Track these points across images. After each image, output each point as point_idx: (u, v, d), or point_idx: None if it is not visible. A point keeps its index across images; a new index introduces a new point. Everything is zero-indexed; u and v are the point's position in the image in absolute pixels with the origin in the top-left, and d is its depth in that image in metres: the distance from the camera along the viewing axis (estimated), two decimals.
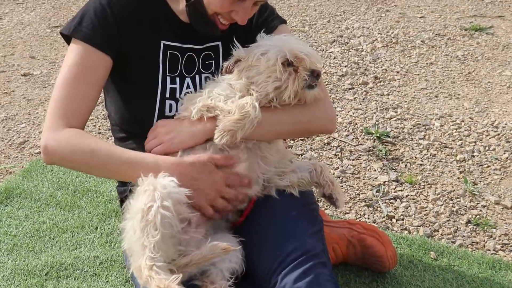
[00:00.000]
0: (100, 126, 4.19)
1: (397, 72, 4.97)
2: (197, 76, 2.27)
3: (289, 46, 2.09)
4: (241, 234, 2.18)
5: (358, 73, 4.92)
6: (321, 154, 3.74)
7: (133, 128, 2.30)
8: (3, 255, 2.81)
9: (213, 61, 2.29)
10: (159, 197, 1.86)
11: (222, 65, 2.22)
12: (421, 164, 3.61)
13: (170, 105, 2.22)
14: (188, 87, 2.26)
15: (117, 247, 2.84)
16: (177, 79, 2.23)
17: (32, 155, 3.78)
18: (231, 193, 2.10)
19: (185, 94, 2.24)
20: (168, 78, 2.22)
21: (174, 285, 1.82)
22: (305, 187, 2.28)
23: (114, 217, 3.07)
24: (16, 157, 3.77)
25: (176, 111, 2.24)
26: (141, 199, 1.90)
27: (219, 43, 2.30)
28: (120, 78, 2.23)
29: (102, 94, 2.27)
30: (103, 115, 4.25)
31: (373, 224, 3.03)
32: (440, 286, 2.56)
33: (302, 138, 3.90)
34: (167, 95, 2.22)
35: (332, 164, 3.62)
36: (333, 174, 3.50)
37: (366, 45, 5.51)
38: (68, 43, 2.18)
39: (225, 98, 2.09)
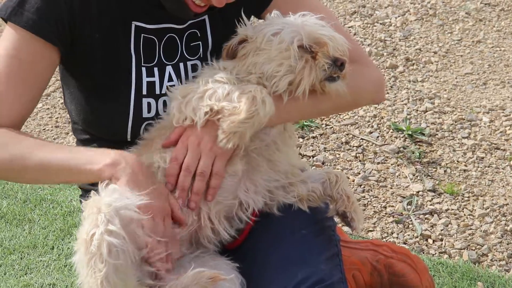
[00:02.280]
0: (57, 118, 4.18)
1: (435, 52, 4.97)
2: (181, 64, 2.21)
3: (308, 27, 2.07)
4: (238, 260, 2.17)
5: (385, 54, 4.92)
6: (337, 155, 3.74)
7: (100, 132, 2.27)
8: None
9: (200, 42, 2.26)
10: (102, 220, 1.81)
11: (224, 47, 2.19)
12: (464, 170, 3.61)
13: (149, 103, 2.18)
14: (170, 79, 2.20)
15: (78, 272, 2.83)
16: (155, 69, 2.18)
17: None
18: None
19: (167, 89, 2.21)
20: (143, 69, 2.16)
21: None
22: (316, 202, 2.26)
23: (75, 234, 3.06)
24: None
25: (157, 110, 2.21)
26: (83, 226, 1.88)
27: (205, 17, 2.27)
28: (82, 73, 2.18)
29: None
30: (61, 103, 4.24)
31: (403, 245, 3.04)
32: None
33: (314, 136, 3.90)
34: (144, 92, 2.16)
35: (351, 169, 3.62)
36: (353, 181, 3.50)
37: (396, 18, 5.51)
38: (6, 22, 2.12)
39: (225, 92, 2.05)
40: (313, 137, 3.91)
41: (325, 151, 3.78)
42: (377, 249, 2.63)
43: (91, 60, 2.12)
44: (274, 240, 2.17)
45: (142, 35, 2.15)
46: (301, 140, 3.88)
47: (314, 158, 3.70)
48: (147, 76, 2.17)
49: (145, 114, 2.18)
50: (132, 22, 2.13)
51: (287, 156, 2.20)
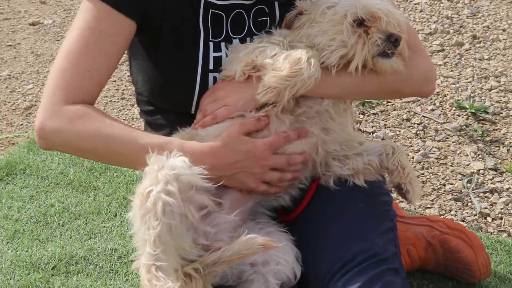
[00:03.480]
0: (124, 90, 4.28)
1: (503, 30, 4.88)
2: (248, 39, 2.26)
3: (364, 1, 2.07)
4: (294, 232, 2.20)
5: (451, 31, 4.85)
6: (398, 132, 3.73)
7: (165, 104, 2.33)
8: (2, 243, 2.94)
9: (268, 18, 2.29)
10: (162, 178, 1.86)
11: (285, 17, 2.22)
12: None
13: (215, 78, 2.23)
14: None
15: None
16: (222, 44, 2.23)
17: None
18: (281, 160, 2.11)
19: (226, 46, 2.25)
20: (211, 44, 2.21)
21: None
22: (373, 175, 2.27)
23: None
24: (21, 124, 3.90)
25: None
26: (143, 181, 1.93)
27: None
28: (152, 43, 2.24)
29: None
30: (128, 76, 4.34)
31: (461, 223, 3.02)
32: None
33: (374, 112, 3.90)
34: (211, 67, 2.22)
35: (411, 146, 3.61)
36: (413, 158, 3.49)
37: None
38: None
39: (274, 52, 2.07)
40: (374, 114, 3.90)
41: (385, 127, 3.77)
42: (432, 224, 2.64)
43: (162, 33, 2.18)
44: (329, 214, 2.21)
45: (211, 10, 2.20)
46: (361, 116, 3.88)
47: (374, 135, 3.70)
48: (214, 51, 2.22)
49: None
50: None
51: (341, 126, 2.21)
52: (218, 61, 2.21)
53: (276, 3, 2.29)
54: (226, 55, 2.21)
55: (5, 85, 4.32)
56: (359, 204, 2.23)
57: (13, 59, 4.64)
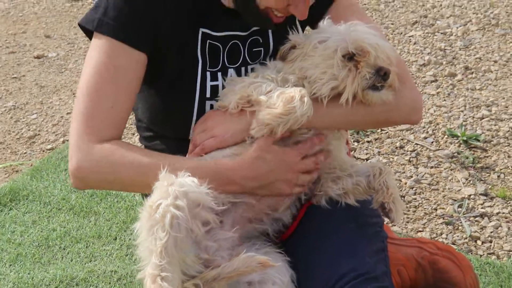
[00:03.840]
0: None
1: (495, 61, 4.97)
2: (242, 68, 2.34)
3: (354, 36, 2.14)
4: (287, 252, 2.25)
5: (444, 62, 4.95)
6: (391, 159, 3.80)
7: (164, 130, 2.40)
8: (5, 266, 3.01)
9: (262, 48, 2.37)
10: (172, 193, 1.92)
11: (279, 50, 2.29)
12: None
13: (211, 105, 2.30)
14: None
15: (139, 261, 2.98)
16: (219, 74, 2.31)
17: (43, 151, 4.00)
18: (310, 163, 2.19)
19: (224, 79, 2.33)
20: (208, 74, 2.29)
21: None
22: (361, 195, 2.34)
23: None
24: (25, 153, 3.99)
25: None
26: (152, 195, 2.00)
27: None
28: (154, 73, 2.28)
29: None
30: None
31: (452, 246, 3.08)
32: None
33: (369, 140, 3.98)
34: (208, 95, 2.29)
35: (404, 172, 3.68)
36: (405, 184, 3.56)
37: (457, 27, 5.53)
38: (90, 37, 2.22)
39: (269, 88, 2.16)
40: (368, 141, 3.98)
41: (379, 154, 3.85)
42: (422, 246, 2.69)
43: (164, 63, 2.24)
44: (321, 233, 2.25)
45: (208, 41, 2.27)
46: (356, 144, 3.96)
47: (368, 161, 3.77)
48: (211, 80, 2.29)
49: None
50: (200, 28, 2.25)
51: (337, 150, 2.29)
52: (215, 89, 2.28)
53: (270, 32, 2.37)
54: (223, 86, 2.29)
55: (10, 115, 4.41)
56: (350, 224, 2.28)
57: (18, 90, 4.75)
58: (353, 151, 3.88)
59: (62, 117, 4.34)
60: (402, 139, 3.99)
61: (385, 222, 2.66)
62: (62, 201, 3.45)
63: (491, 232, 3.18)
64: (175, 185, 1.93)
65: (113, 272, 2.93)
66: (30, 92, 4.72)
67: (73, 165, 2.11)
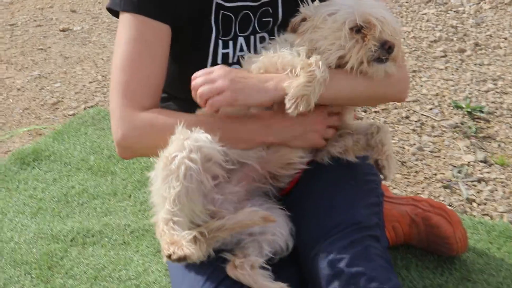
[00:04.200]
0: None
1: (505, 38, 5.04)
2: (251, 37, 2.47)
3: (362, 9, 2.24)
4: (288, 205, 2.39)
5: (455, 39, 5.03)
6: (396, 128, 3.91)
7: (177, 92, 2.55)
8: (27, 219, 3.19)
9: (271, 18, 2.49)
10: (187, 147, 2.07)
11: (290, 22, 2.41)
12: None
13: None
14: (241, 49, 2.47)
15: (150, 216, 3.14)
16: (230, 42, 2.44)
17: (66, 116, 4.18)
18: (335, 119, 2.35)
19: (241, 57, 2.45)
20: (220, 42, 2.42)
21: (184, 241, 2.02)
22: (360, 152, 2.48)
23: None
24: (48, 118, 4.17)
25: None
26: (169, 147, 2.16)
27: None
28: (172, 41, 2.40)
29: None
30: None
31: (449, 207, 3.19)
32: None
33: (376, 110, 4.09)
34: (219, 61, 2.43)
35: (408, 140, 3.79)
36: (408, 151, 3.68)
37: (470, 6, 5.59)
38: (117, 16, 2.36)
39: (290, 56, 2.28)
40: (375, 111, 4.10)
41: (385, 123, 3.96)
42: (416, 203, 2.82)
43: (183, 33, 2.37)
44: (318, 189, 2.37)
45: (221, 11, 2.40)
46: (363, 114, 4.08)
47: (368, 120, 3.89)
48: (222, 48, 2.43)
49: None
50: (214, 0, 2.38)
51: (346, 113, 2.43)
52: (225, 56, 2.43)
53: (280, 5, 2.50)
54: (234, 54, 2.43)
55: (35, 83, 4.60)
56: (348, 180, 2.40)
57: (44, 61, 4.92)
58: (360, 120, 3.99)
59: (84, 85, 4.51)
60: (408, 110, 4.09)
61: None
62: (81, 161, 3.62)
63: (487, 196, 3.29)
64: (191, 140, 2.07)
65: (126, 226, 3.09)
66: (55, 62, 4.90)
67: (119, 135, 2.24)
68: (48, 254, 2.93)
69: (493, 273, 2.73)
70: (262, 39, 2.50)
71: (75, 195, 3.35)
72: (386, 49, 2.22)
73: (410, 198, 2.87)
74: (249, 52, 2.49)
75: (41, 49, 5.12)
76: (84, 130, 3.92)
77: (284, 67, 2.22)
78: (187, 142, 2.08)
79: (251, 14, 2.45)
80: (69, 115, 4.20)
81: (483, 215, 3.16)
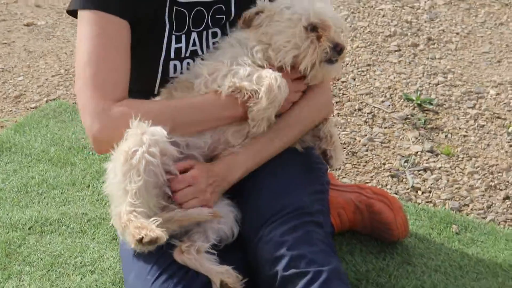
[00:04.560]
0: None
1: (457, 33, 5.17)
2: (204, 32, 2.56)
3: (317, 8, 2.34)
4: (234, 190, 2.49)
5: (409, 34, 5.15)
6: (348, 120, 4.02)
7: (131, 84, 2.59)
8: None
9: (224, 15, 2.57)
10: (146, 141, 2.17)
11: (243, 15, 2.47)
12: (464, 136, 3.85)
13: (175, 65, 2.53)
14: (194, 44, 2.56)
15: (107, 205, 3.21)
16: (183, 37, 2.52)
17: (28, 109, 4.22)
18: (301, 85, 2.44)
19: (195, 56, 2.52)
20: (173, 37, 2.50)
21: (153, 226, 2.13)
22: (308, 143, 2.59)
23: None
24: (10, 110, 4.20)
25: (181, 71, 2.53)
26: (127, 141, 2.23)
27: None
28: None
29: None
30: None
31: (394, 195, 3.31)
32: (456, 260, 2.83)
33: None
34: (172, 56, 2.52)
35: (359, 132, 3.90)
36: (359, 141, 3.79)
37: (425, 1, 5.71)
38: (75, 17, 2.43)
39: (246, 72, 2.32)
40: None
41: (338, 115, 4.07)
42: (360, 191, 2.93)
43: (136, 26, 2.43)
44: (264, 175, 2.46)
45: (175, 7, 2.48)
46: None
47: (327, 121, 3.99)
48: (175, 43, 2.51)
49: (171, 74, 2.53)
50: None
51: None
52: (178, 51, 2.51)
53: (232, 1, 2.58)
54: (186, 49, 2.52)
55: None
56: (295, 167, 2.51)
57: (7, 55, 4.95)
58: None
59: (47, 79, 4.55)
60: (361, 102, 4.20)
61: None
62: (41, 153, 3.67)
63: (432, 184, 3.42)
64: (148, 134, 2.17)
65: (84, 214, 3.15)
66: (18, 56, 4.93)
67: (95, 129, 2.30)
68: (6, 242, 2.99)
69: (432, 257, 2.85)
70: (215, 34, 2.59)
71: (35, 185, 3.40)
72: (337, 51, 2.33)
73: (355, 186, 2.99)
74: (201, 46, 2.57)
75: (5, 43, 5.15)
76: (46, 122, 3.96)
77: (242, 87, 2.31)
78: (145, 136, 2.17)
79: (204, 11, 2.53)
80: (31, 108, 4.24)
81: (427, 202, 3.29)
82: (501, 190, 3.36)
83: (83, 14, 2.38)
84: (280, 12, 2.38)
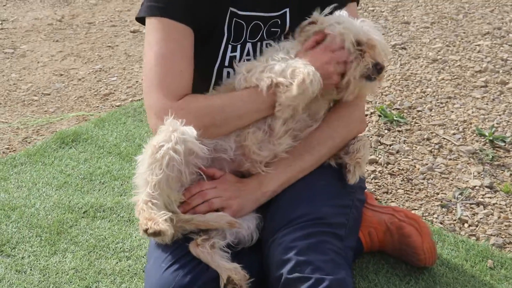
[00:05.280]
0: None
1: None
2: (258, 43, 2.68)
3: (365, 28, 2.46)
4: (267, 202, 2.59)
5: (501, 71, 5.03)
6: (413, 148, 4.00)
7: None
8: (52, 190, 3.51)
9: (279, 28, 2.69)
10: (174, 138, 2.30)
11: (300, 25, 2.59)
12: None
13: (228, 72, 2.67)
14: (248, 54, 2.68)
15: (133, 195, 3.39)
16: (238, 47, 2.66)
17: (113, 107, 4.51)
18: (344, 53, 2.46)
19: (234, 64, 2.64)
20: (229, 46, 2.64)
21: (161, 219, 2.25)
22: (340, 159, 2.65)
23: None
24: (97, 106, 4.51)
25: None
26: (157, 136, 2.39)
27: (287, 10, 2.72)
28: None
29: None
30: None
31: (440, 225, 3.27)
32: None
33: (400, 130, 4.19)
34: (226, 64, 2.66)
35: (422, 160, 3.87)
36: (418, 169, 3.76)
37: None
38: (143, 24, 2.59)
39: (281, 68, 2.42)
40: (399, 131, 4.20)
41: (404, 143, 4.05)
42: (394, 213, 2.93)
43: (197, 33, 2.60)
44: (293, 185, 2.56)
45: (234, 19, 2.64)
46: (386, 131, 4.19)
47: (391, 147, 4.00)
48: (231, 52, 2.66)
49: (224, 80, 2.68)
50: (229, 8, 2.62)
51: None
52: (232, 59, 2.65)
53: (287, 18, 2.69)
54: (240, 58, 2.64)
55: (95, 75, 4.97)
56: (322, 181, 2.58)
57: (108, 57, 5.30)
58: (380, 137, 4.11)
59: (137, 81, 4.84)
60: (431, 133, 4.17)
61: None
62: (113, 146, 3.92)
63: (481, 218, 3.34)
64: (178, 132, 2.31)
65: (135, 205, 3.33)
66: (118, 59, 5.26)
67: (157, 124, 2.42)
68: (60, 221, 3.23)
69: (457, 287, 2.80)
70: (269, 45, 2.70)
71: (99, 175, 3.64)
72: (377, 69, 2.42)
73: (390, 208, 2.99)
74: (254, 56, 2.69)
75: (109, 46, 5.51)
76: (124, 120, 4.22)
77: (279, 83, 2.41)
78: (174, 134, 2.31)
79: (261, 24, 2.67)
80: (116, 105, 4.52)
81: (470, 235, 3.22)
82: None
83: (150, 21, 2.55)
84: (331, 26, 2.47)
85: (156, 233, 2.27)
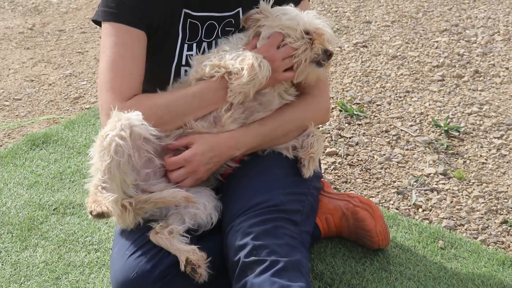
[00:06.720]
0: None
1: (506, 68, 5.15)
2: (213, 41, 2.80)
3: (313, 19, 2.59)
4: (223, 189, 2.72)
5: (457, 66, 5.18)
6: (372, 140, 4.13)
7: (144, 86, 2.79)
8: (23, 189, 3.59)
9: (233, 28, 2.81)
10: (118, 126, 2.39)
11: (245, 14, 2.70)
12: (483, 163, 3.87)
13: (185, 70, 2.77)
14: (203, 52, 2.78)
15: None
16: (194, 45, 2.77)
17: (82, 109, 4.59)
18: (288, 50, 2.57)
19: (188, 58, 2.75)
20: (185, 45, 2.75)
21: (105, 201, 2.36)
22: (295, 151, 2.77)
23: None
24: (67, 109, 4.59)
25: None
26: (105, 128, 2.48)
27: (239, 9, 2.84)
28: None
29: None
30: None
31: (395, 211, 3.40)
32: (432, 272, 2.90)
33: (360, 123, 4.32)
34: (183, 62, 2.77)
35: (380, 151, 4.00)
36: (376, 160, 3.89)
37: (483, 37, 5.72)
38: (101, 26, 2.70)
39: (232, 56, 2.56)
40: (359, 124, 4.33)
41: (363, 135, 4.19)
42: (349, 199, 3.06)
43: (152, 35, 2.71)
44: (249, 175, 2.67)
45: (189, 20, 2.75)
46: (347, 125, 4.32)
47: (351, 139, 4.13)
48: (187, 50, 2.77)
49: (182, 78, 2.78)
50: (183, 9, 2.73)
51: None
52: (188, 58, 2.75)
53: (240, 14, 2.81)
54: (190, 63, 2.73)
55: (65, 80, 5.05)
56: (277, 169, 2.69)
57: (78, 62, 5.38)
58: (341, 130, 4.24)
59: None
60: (390, 125, 4.30)
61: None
62: (83, 147, 4.01)
63: (434, 203, 3.48)
64: (122, 120, 2.41)
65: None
66: (88, 64, 5.34)
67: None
68: (31, 218, 3.32)
69: (410, 266, 2.94)
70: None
71: (69, 174, 3.73)
72: (327, 56, 2.55)
73: (345, 194, 3.11)
74: None
75: (79, 52, 5.59)
76: (93, 121, 4.31)
77: (226, 66, 2.55)
78: (119, 122, 2.41)
79: (215, 23, 2.79)
80: (86, 108, 4.61)
81: (424, 219, 3.35)
82: (501, 214, 3.38)
83: (104, 25, 2.66)
84: (278, 17, 2.60)
85: (100, 215, 2.37)
